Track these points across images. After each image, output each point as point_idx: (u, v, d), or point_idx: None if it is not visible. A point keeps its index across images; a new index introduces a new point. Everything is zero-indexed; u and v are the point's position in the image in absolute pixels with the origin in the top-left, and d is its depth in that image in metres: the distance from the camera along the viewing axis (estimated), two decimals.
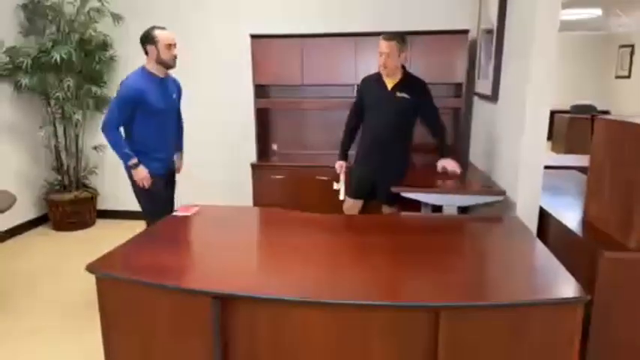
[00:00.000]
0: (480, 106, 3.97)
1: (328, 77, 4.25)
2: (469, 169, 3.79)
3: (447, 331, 1.63)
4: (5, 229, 4.36)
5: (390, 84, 3.12)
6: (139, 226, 3.17)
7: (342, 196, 3.36)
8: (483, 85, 3.66)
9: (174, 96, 3.14)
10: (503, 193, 2.91)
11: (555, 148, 8.50)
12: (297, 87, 4.46)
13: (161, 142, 3.07)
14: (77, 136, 4.69)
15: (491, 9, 3.46)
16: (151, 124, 2.97)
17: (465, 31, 3.98)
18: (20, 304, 3.24)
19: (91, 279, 1.90)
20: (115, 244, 2.16)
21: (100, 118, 3.23)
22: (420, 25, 4.08)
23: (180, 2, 4.58)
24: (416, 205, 3.04)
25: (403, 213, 3.14)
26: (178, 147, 3.34)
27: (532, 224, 2.68)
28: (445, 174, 3.21)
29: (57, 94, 4.35)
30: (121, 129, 2.96)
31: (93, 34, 4.48)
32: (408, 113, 3.15)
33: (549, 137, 7.55)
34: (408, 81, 3.13)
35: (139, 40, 2.96)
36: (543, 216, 2.72)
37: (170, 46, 2.93)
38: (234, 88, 4.62)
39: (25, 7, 4.40)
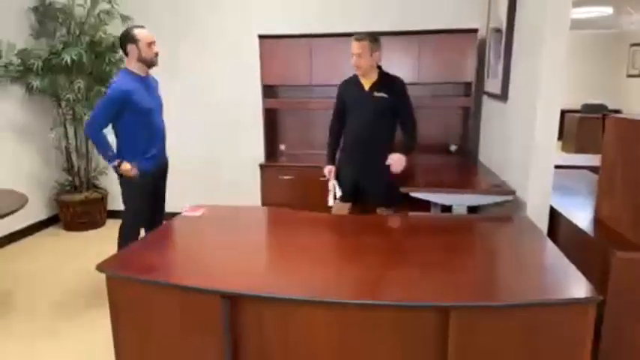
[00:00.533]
0: (489, 105, 3.94)
1: (336, 77, 4.18)
2: (479, 169, 3.77)
3: (457, 330, 1.62)
4: (17, 229, 4.41)
5: (366, 84, 3.11)
6: None
7: (330, 202, 3.24)
8: (493, 84, 3.64)
9: (157, 93, 3.16)
10: (513, 192, 2.89)
11: (565, 148, 8.44)
12: (305, 87, 4.46)
13: (152, 140, 3.07)
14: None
15: (500, 8, 3.44)
16: (141, 124, 2.98)
17: (474, 30, 3.96)
18: (26, 303, 3.25)
19: (96, 279, 1.91)
20: None
21: None
22: (431, 24, 4.08)
23: (187, 3, 4.60)
24: (422, 204, 3.02)
25: (411, 213, 3.13)
26: None
27: (542, 224, 2.66)
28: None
29: (67, 95, 4.39)
30: (106, 132, 2.96)
31: (103, 35, 4.51)
32: (387, 113, 3.12)
33: (560, 137, 7.50)
34: (385, 80, 3.11)
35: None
36: (554, 216, 2.70)
37: (150, 44, 2.94)
38: (243, 88, 4.63)
39: (35, 9, 4.45)
